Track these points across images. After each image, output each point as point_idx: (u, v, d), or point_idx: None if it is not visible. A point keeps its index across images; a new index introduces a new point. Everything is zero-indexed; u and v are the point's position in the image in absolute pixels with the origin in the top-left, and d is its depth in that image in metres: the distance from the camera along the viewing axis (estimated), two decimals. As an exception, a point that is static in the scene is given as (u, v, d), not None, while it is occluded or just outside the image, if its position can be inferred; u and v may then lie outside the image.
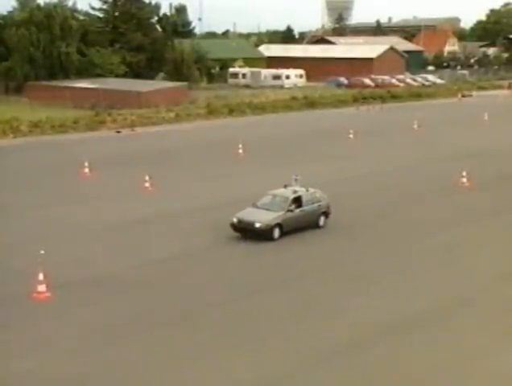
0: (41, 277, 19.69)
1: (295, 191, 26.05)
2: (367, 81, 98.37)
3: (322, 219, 26.75)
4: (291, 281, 21.39)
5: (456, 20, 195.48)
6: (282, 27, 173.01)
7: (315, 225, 26.46)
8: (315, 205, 26.43)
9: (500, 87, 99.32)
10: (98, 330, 17.79)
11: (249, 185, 34.23)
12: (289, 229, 25.34)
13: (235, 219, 25.26)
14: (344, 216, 28.31)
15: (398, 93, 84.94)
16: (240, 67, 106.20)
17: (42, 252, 20.25)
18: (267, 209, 25.39)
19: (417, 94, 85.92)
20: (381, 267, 22.80)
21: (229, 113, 66.23)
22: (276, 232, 24.96)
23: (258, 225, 24.67)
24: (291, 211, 25.32)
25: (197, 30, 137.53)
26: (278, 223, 24.93)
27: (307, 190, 26.44)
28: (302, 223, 25.88)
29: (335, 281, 21.45)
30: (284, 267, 22.70)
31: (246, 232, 25.12)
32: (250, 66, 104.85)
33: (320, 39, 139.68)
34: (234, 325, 18.11)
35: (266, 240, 24.72)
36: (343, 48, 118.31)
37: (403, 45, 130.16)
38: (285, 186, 26.62)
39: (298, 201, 25.75)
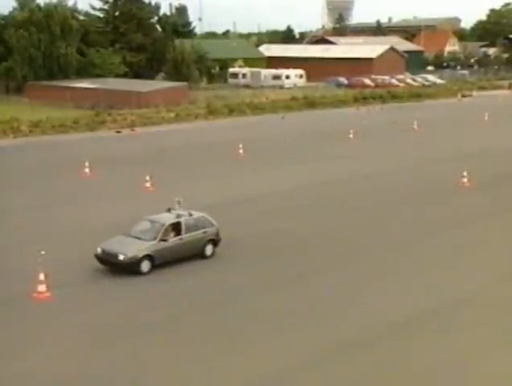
0: (41, 277, 19.70)
1: (178, 216, 22.70)
2: (367, 81, 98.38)
3: (209, 248, 23.19)
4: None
5: (457, 20, 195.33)
6: (282, 27, 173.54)
7: (200, 255, 23.03)
8: (200, 232, 22.91)
9: (500, 87, 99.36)
10: (98, 329, 17.80)
11: (250, 185, 34.35)
12: (163, 261, 21.88)
13: (99, 250, 21.90)
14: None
15: (399, 93, 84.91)
16: (240, 67, 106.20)
17: (42, 252, 20.25)
18: (138, 238, 22.00)
19: (417, 94, 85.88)
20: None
21: (229, 113, 66.25)
22: (145, 265, 21.50)
23: (121, 257, 21.27)
24: (165, 240, 21.96)
25: (197, 30, 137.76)
26: (147, 255, 21.52)
27: (191, 215, 23.06)
28: (181, 254, 22.40)
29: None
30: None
31: (111, 264, 21.76)
32: (250, 66, 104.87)
33: (320, 39, 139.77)
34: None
35: (133, 273, 21.36)
36: (343, 48, 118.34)
37: (403, 45, 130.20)
38: (168, 210, 23.27)
39: (176, 228, 22.47)
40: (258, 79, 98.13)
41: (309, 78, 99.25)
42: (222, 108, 67.64)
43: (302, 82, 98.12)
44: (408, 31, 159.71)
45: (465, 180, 34.46)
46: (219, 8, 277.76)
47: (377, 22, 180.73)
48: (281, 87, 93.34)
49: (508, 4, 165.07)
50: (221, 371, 15.68)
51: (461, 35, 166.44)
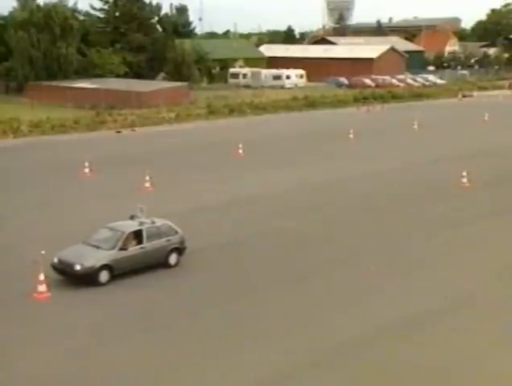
0: (41, 277, 19.71)
1: (140, 224, 21.88)
2: (368, 81, 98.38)
3: (173, 257, 22.32)
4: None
5: (457, 20, 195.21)
6: (283, 27, 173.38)
7: (164, 264, 22.16)
8: (163, 240, 22.06)
9: (500, 87, 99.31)
10: (98, 330, 17.81)
11: (250, 185, 34.32)
12: (122, 271, 21.02)
13: (55, 259, 20.93)
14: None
15: (399, 93, 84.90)
16: (240, 67, 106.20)
17: (43, 252, 20.25)
18: (96, 246, 21.15)
19: (417, 94, 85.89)
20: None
21: (229, 113, 66.25)
22: (103, 276, 20.61)
23: (77, 268, 20.35)
24: (125, 249, 21.11)
25: (198, 31, 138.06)
26: (105, 265, 20.62)
27: (153, 223, 22.19)
28: (142, 263, 21.55)
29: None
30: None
31: (68, 275, 20.84)
32: (251, 66, 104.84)
33: (320, 39, 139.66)
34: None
35: (91, 284, 20.48)
36: (344, 48, 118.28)
37: (404, 45, 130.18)
38: (132, 217, 22.39)
39: (138, 236, 21.62)
40: (258, 79, 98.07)
41: (310, 78, 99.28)
42: (223, 108, 67.65)
43: (302, 82, 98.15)
44: (408, 31, 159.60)
45: (465, 180, 34.45)
46: (219, 8, 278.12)
47: (378, 22, 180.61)
48: (281, 87, 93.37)
49: (508, 4, 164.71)
50: (219, 372, 15.70)
51: (461, 35, 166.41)
